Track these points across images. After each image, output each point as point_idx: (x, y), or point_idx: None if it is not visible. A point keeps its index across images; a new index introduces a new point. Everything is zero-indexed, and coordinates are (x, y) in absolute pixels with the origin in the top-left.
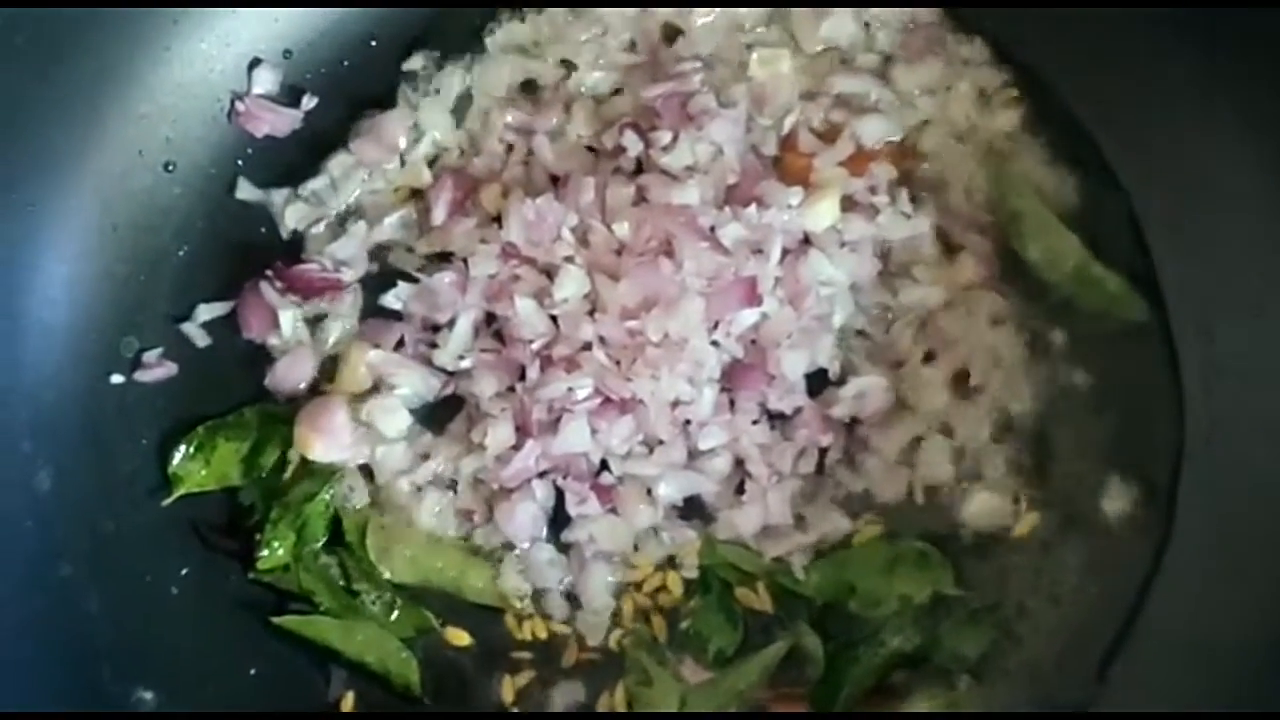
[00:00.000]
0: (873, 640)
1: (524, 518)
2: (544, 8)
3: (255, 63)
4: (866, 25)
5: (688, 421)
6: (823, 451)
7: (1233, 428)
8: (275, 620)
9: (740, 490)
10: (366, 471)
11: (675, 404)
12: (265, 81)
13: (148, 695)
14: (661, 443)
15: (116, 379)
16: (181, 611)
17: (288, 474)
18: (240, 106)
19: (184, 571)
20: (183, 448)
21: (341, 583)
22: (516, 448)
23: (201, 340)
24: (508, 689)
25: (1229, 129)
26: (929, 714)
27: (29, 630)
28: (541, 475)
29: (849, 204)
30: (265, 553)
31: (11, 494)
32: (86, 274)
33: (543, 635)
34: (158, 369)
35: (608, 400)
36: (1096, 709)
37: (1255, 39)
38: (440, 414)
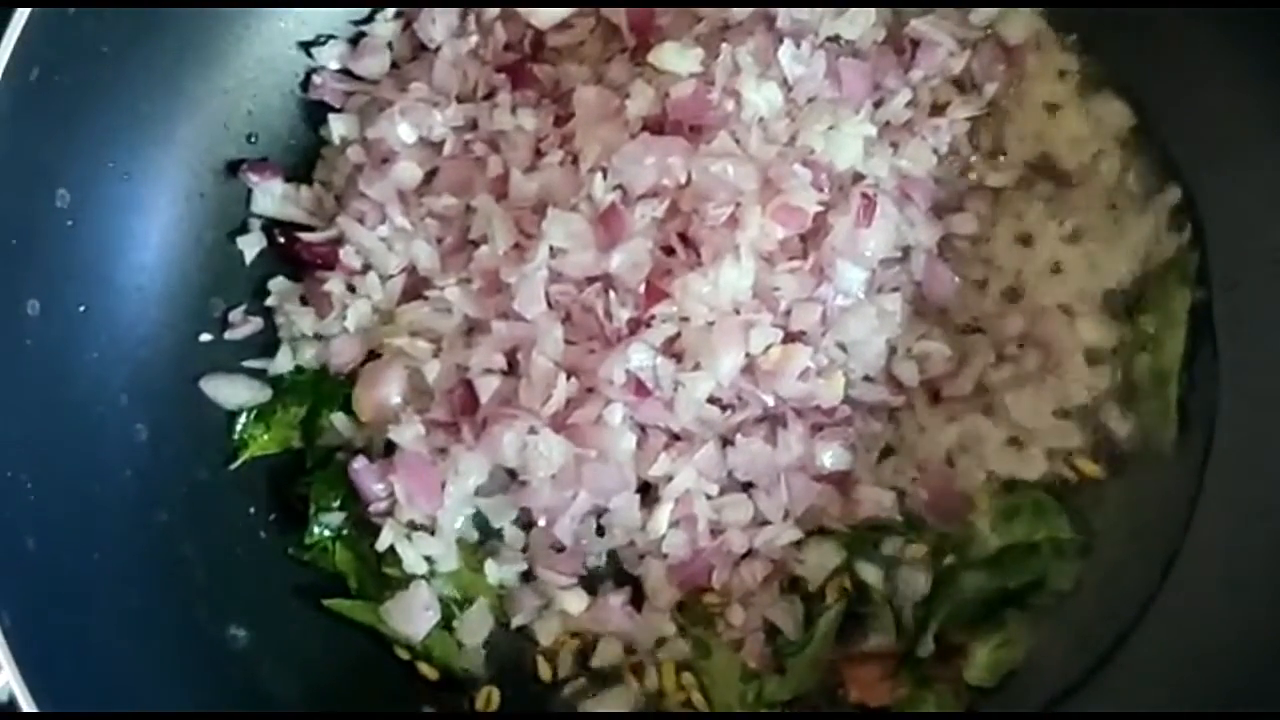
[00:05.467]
0: (958, 586)
1: (571, 520)
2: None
3: (330, 38)
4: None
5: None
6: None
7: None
8: (326, 603)
9: None
10: None
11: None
12: (338, 56)
13: (240, 633)
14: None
15: (205, 337)
16: (270, 554)
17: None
18: (316, 80)
19: (271, 516)
20: (244, 415)
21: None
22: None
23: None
24: (544, 669)
25: None
26: (930, 714)
27: (130, 573)
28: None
29: None
30: (315, 530)
31: (112, 444)
32: (176, 240)
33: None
34: (244, 326)
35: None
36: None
37: None
38: None
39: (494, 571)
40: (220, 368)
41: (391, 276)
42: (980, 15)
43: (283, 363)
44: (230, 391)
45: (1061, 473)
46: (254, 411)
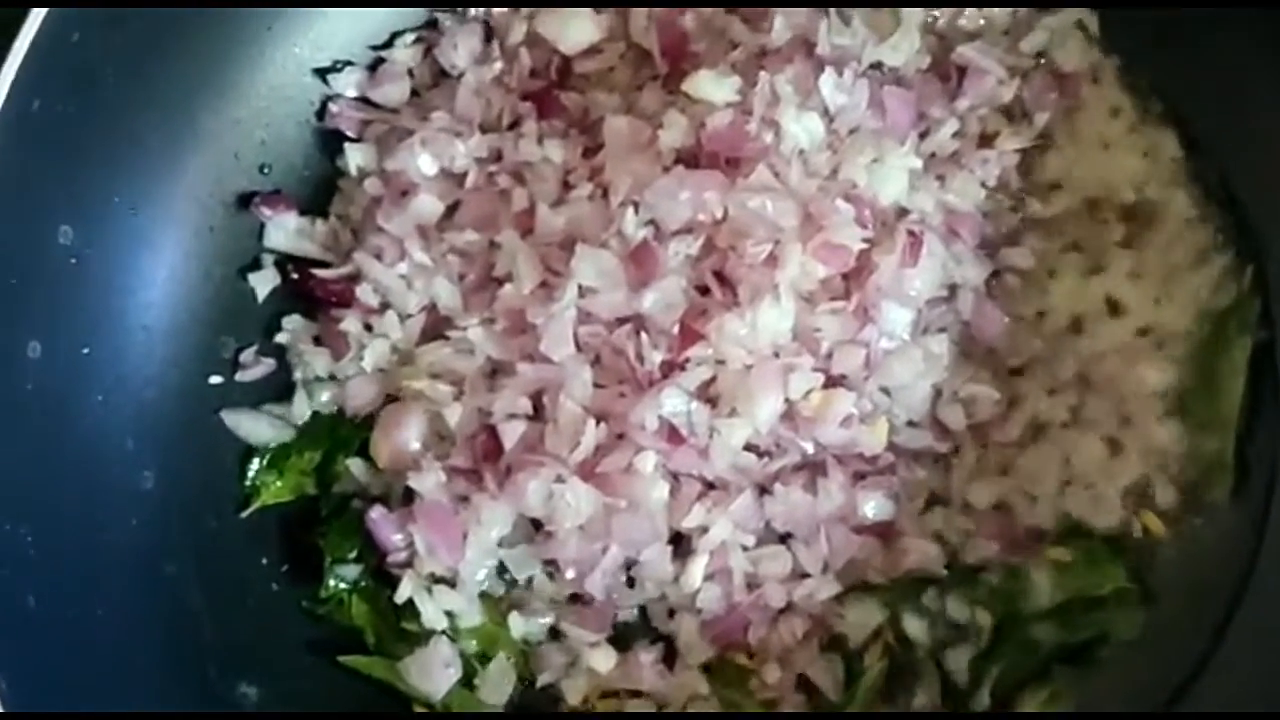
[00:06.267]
0: (1020, 640)
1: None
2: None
3: (347, 65)
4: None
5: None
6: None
7: None
8: (341, 659)
9: None
10: None
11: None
12: (356, 84)
13: (251, 690)
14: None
15: (215, 379)
16: (282, 607)
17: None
18: (333, 108)
19: (284, 568)
20: (256, 460)
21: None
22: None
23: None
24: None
25: None
26: (929, 714)
27: (136, 629)
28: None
29: None
30: (330, 582)
31: (116, 493)
32: (185, 275)
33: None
34: (256, 367)
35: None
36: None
37: None
38: None
39: (519, 626)
40: None
41: (411, 315)
42: (1031, 42)
43: (299, 410)
44: (252, 427)
45: (1127, 528)
46: (266, 457)
